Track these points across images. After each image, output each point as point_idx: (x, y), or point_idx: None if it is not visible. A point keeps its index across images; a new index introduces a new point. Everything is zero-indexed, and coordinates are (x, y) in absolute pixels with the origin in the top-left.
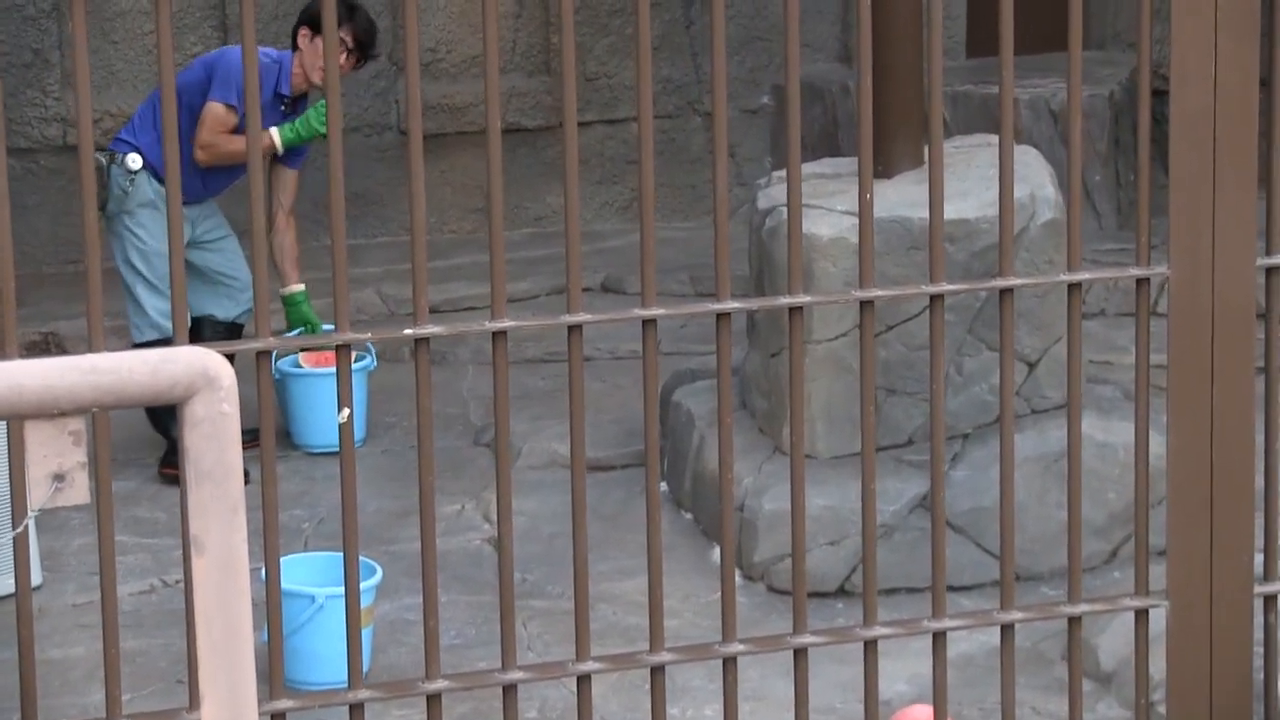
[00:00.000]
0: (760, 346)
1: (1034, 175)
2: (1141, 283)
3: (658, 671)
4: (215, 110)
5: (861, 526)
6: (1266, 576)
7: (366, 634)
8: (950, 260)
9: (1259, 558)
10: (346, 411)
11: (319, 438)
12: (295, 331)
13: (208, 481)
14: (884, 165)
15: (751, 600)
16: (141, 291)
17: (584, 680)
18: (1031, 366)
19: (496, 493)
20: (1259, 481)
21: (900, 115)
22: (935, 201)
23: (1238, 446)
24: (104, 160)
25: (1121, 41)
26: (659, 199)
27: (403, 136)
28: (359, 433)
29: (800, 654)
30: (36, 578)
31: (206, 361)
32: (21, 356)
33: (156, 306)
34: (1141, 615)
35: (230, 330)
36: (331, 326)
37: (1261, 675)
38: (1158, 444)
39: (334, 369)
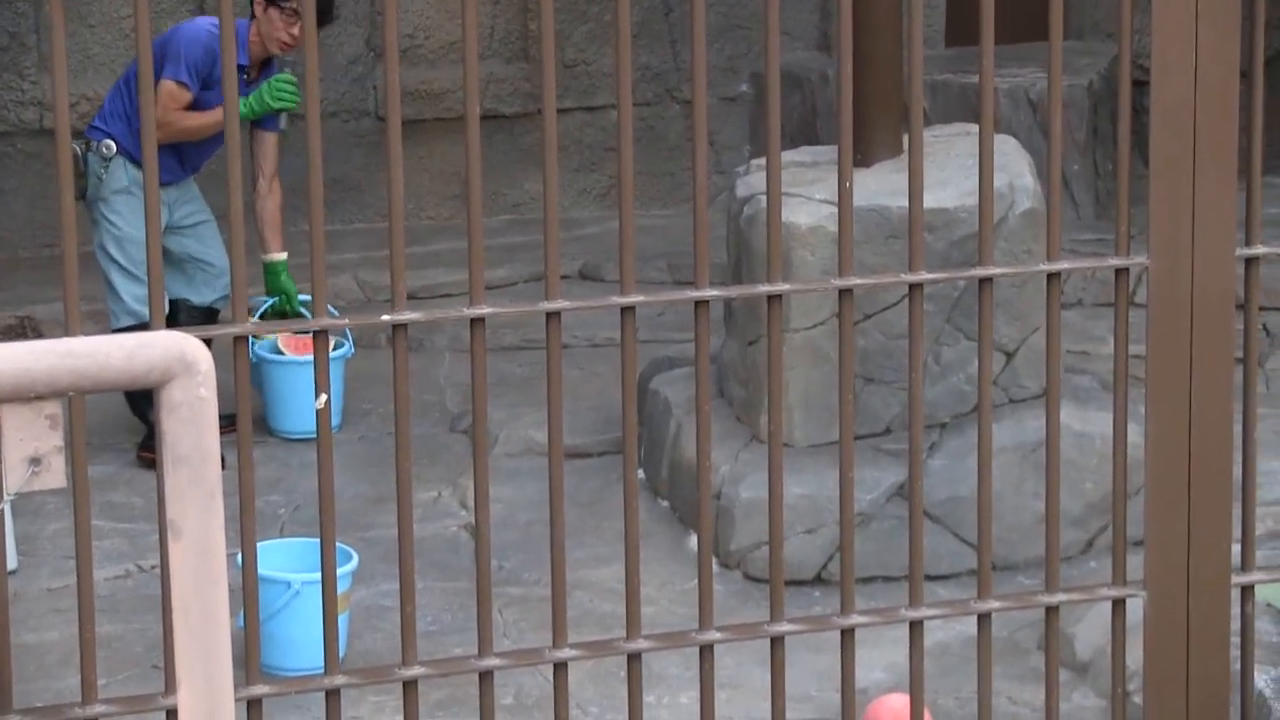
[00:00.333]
0: (738, 335)
1: (1013, 165)
2: (1120, 273)
3: (634, 659)
4: (167, 87)
5: (839, 515)
6: (1244, 566)
7: (343, 620)
8: (929, 249)
9: (1236, 548)
10: (324, 397)
11: (296, 424)
12: (271, 301)
13: (185, 466)
14: (863, 154)
15: (728, 588)
16: (117, 278)
17: (560, 667)
18: (1009, 356)
19: (474, 480)
20: (1237, 472)
21: (880, 104)
22: (915, 190)
23: (1216, 437)
24: (79, 149)
25: (1100, 31)
26: (637, 186)
27: (380, 122)
28: (335, 419)
29: (777, 642)
30: (12, 562)
31: (184, 346)
32: None
33: (132, 293)
34: (1119, 605)
35: (206, 315)
36: (308, 298)
37: (1239, 666)
38: (1136, 434)
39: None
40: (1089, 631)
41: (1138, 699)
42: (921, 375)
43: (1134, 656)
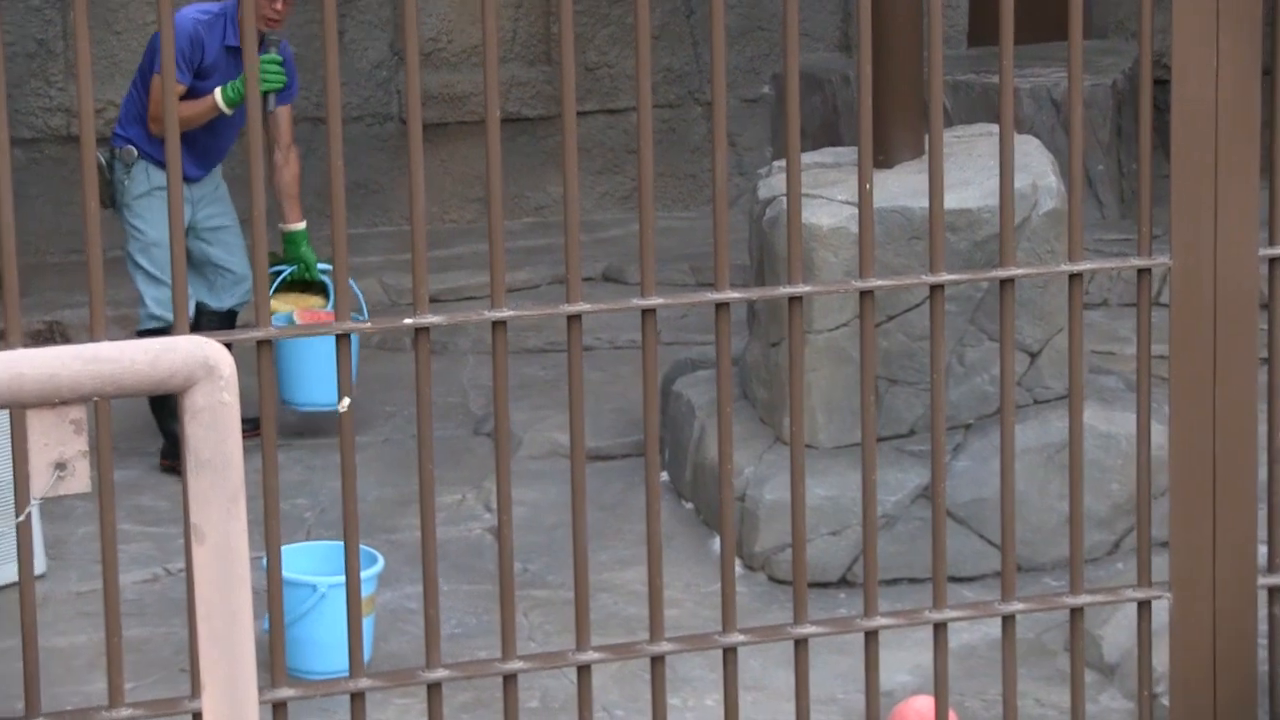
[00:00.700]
0: (761, 336)
1: (1035, 165)
2: (1143, 273)
3: (658, 661)
4: (159, 82)
5: (862, 517)
6: (1270, 568)
7: (368, 623)
8: (952, 250)
9: (1262, 549)
10: (347, 401)
11: (308, 395)
12: (290, 269)
13: (207, 470)
14: (885, 155)
15: (752, 590)
16: (142, 283)
17: (584, 670)
18: (1033, 357)
19: (495, 482)
20: (1262, 473)
21: (901, 104)
22: (935, 191)
23: (1240, 437)
24: (104, 158)
25: (1124, 31)
26: (660, 188)
27: (404, 126)
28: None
29: (800, 644)
30: (41, 566)
31: (206, 351)
32: (26, 345)
33: (155, 296)
34: (1144, 607)
35: (225, 319)
36: (328, 266)
37: (1266, 667)
38: (1161, 435)
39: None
40: (1116, 633)
41: (1165, 701)
42: (943, 377)
43: (1161, 658)
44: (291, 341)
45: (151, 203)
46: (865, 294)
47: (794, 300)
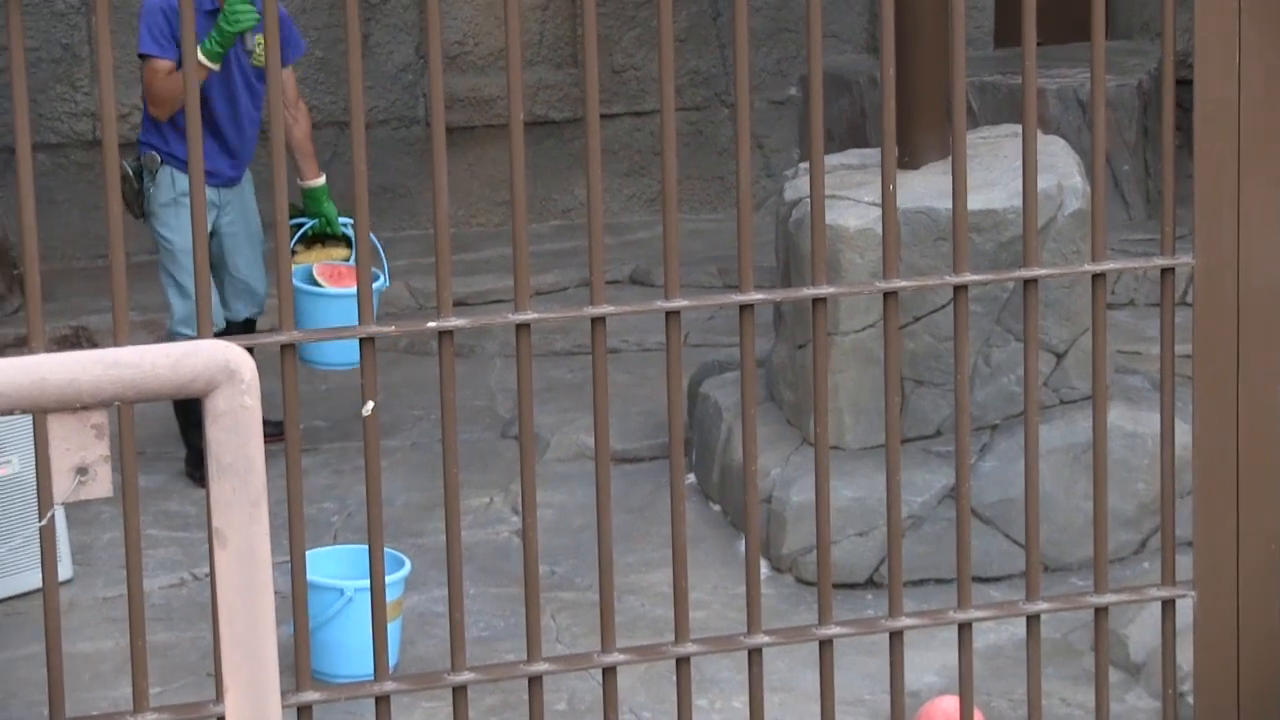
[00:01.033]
0: (787, 338)
1: (1061, 165)
2: (1166, 273)
3: (683, 662)
4: (146, 66)
5: (886, 518)
6: None
7: (395, 626)
8: (978, 251)
9: None
10: (371, 404)
11: (326, 355)
12: (312, 222)
13: (229, 475)
14: (910, 156)
15: (780, 592)
16: (172, 294)
17: (609, 672)
18: (1059, 357)
19: (521, 485)
20: None
21: (926, 106)
22: (959, 192)
23: (1264, 436)
24: (130, 167)
25: (1150, 31)
26: (687, 191)
27: (429, 129)
28: (354, 355)
29: (826, 645)
30: (67, 571)
31: (228, 355)
32: (50, 351)
33: (182, 314)
34: (1169, 605)
35: (243, 328)
36: (350, 220)
37: None
38: (1186, 435)
39: (350, 289)
40: (1141, 632)
41: (1191, 699)
42: (968, 377)
43: (1187, 657)
44: (314, 300)
45: (178, 211)
46: (889, 295)
47: (818, 302)
